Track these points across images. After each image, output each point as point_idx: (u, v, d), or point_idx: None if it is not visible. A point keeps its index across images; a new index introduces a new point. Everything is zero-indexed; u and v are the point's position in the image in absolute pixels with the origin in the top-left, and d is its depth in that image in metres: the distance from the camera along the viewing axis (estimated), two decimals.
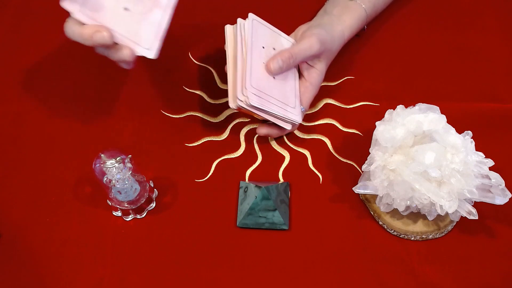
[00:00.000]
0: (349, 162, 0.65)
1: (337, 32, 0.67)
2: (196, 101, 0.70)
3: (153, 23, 0.55)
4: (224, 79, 0.71)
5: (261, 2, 0.78)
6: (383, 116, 0.59)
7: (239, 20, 0.63)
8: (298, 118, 0.62)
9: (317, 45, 0.62)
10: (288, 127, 0.62)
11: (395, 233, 0.59)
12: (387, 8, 0.76)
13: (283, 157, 0.65)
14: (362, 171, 0.61)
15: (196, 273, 0.57)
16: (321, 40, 0.62)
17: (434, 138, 0.54)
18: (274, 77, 0.61)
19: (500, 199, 0.54)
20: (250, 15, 0.63)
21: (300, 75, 0.66)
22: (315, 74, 0.65)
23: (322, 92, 0.70)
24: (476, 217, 0.53)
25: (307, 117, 0.68)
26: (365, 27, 0.73)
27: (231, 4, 0.78)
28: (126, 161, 0.55)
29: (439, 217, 0.58)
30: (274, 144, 0.66)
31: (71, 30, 0.53)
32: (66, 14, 0.77)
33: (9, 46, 0.75)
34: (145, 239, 0.59)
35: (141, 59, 0.74)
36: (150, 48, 0.55)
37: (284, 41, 0.65)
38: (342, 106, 0.69)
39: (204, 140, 0.66)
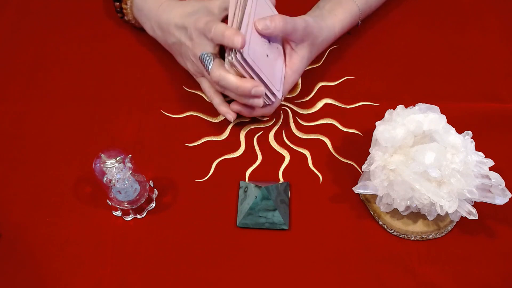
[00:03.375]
0: (349, 162, 0.65)
1: (326, 23, 0.67)
2: (196, 101, 0.70)
3: (279, 69, 0.63)
4: None
5: None
6: (383, 116, 0.59)
7: None
8: (277, 100, 0.63)
9: (303, 23, 0.62)
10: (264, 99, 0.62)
11: (395, 233, 0.59)
12: (387, 8, 0.76)
13: (283, 157, 0.65)
14: (362, 171, 0.61)
15: (196, 273, 0.57)
16: (307, 22, 0.63)
17: (434, 138, 0.54)
18: (267, 55, 0.61)
19: (500, 199, 0.54)
20: None
21: None
22: (296, 60, 0.64)
23: (322, 92, 0.70)
24: (476, 217, 0.53)
25: (307, 117, 0.68)
26: (359, 23, 0.72)
27: None
28: (126, 161, 0.55)
29: (439, 217, 0.58)
30: (274, 144, 0.66)
31: (227, 79, 0.58)
32: (65, 15, 0.78)
33: (9, 46, 0.75)
34: (145, 239, 0.59)
35: (141, 57, 0.74)
36: (279, 90, 0.62)
37: None
38: (342, 106, 0.69)
39: (204, 140, 0.66)
